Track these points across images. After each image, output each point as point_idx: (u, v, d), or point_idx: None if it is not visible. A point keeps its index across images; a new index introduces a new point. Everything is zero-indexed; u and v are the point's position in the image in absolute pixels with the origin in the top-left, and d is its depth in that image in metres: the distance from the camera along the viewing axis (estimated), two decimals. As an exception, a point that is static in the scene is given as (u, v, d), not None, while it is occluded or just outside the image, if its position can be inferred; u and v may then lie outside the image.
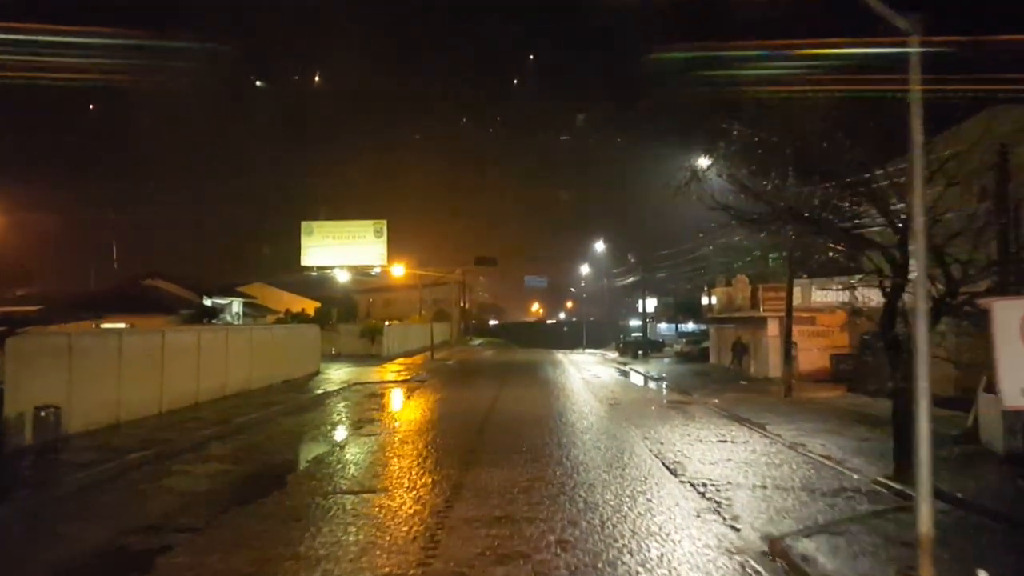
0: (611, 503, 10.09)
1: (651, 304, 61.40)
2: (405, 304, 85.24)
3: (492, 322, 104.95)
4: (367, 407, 22.10)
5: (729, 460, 13.52)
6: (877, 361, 23.62)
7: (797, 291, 24.77)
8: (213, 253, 67.87)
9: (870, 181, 12.27)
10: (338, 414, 20.40)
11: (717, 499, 10.53)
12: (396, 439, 15.91)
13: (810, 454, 14.26)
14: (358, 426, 18.11)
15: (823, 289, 25.39)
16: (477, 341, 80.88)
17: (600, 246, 51.80)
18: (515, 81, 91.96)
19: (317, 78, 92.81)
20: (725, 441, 15.76)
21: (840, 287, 24.98)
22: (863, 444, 15.08)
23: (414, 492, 10.72)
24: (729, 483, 11.57)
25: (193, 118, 66.19)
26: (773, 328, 30.02)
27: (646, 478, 11.80)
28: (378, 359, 42.97)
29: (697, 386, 28.25)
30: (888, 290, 12.02)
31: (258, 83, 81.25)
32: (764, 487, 11.37)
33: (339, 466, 12.79)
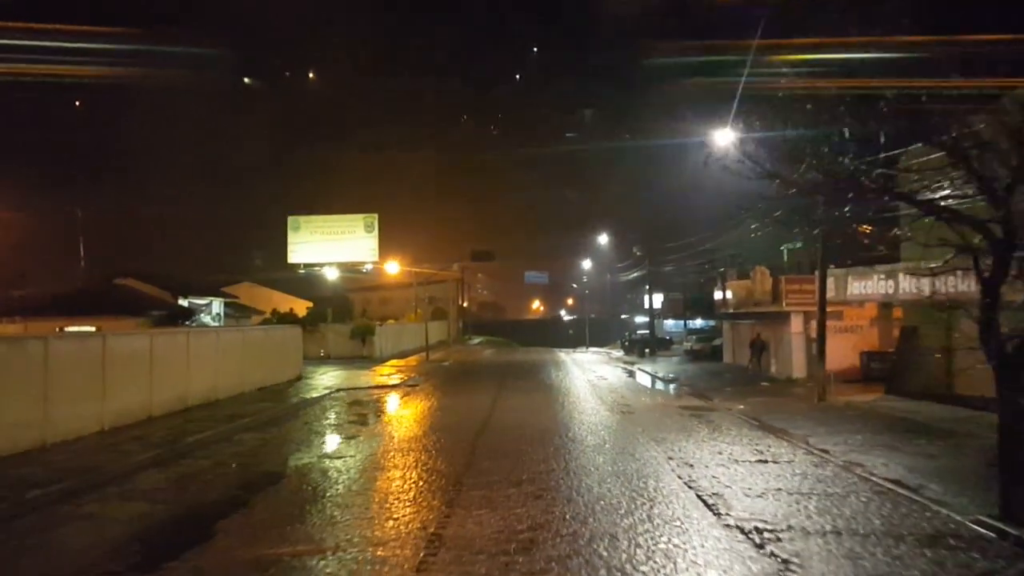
0: (643, 568, 7.44)
1: (657, 300, 58.74)
2: (402, 303, 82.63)
3: (492, 320, 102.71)
4: (345, 420, 19.45)
5: (779, 490, 10.86)
6: (922, 359, 21.06)
7: (829, 282, 22.09)
8: (203, 252, 65.13)
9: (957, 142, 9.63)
10: (310, 429, 17.74)
11: (782, 555, 7.88)
12: (371, 464, 13.25)
13: (874, 478, 11.61)
14: (329, 445, 15.47)
15: (861, 279, 22.71)
16: (476, 340, 78.31)
17: (603, 239, 49.13)
18: (517, 76, 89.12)
19: (311, 75, 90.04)
20: (765, 461, 13.10)
21: (883, 276, 22.45)
22: (933, 464, 12.45)
23: (374, 551, 8.06)
24: (789, 527, 8.92)
25: (185, 115, 63.54)
26: (796, 324, 27.35)
27: (682, 521, 9.15)
28: (369, 361, 40.33)
29: (715, 388, 25.60)
30: (988, 275, 9.37)
31: (247, 80, 78.51)
32: (837, 532, 8.72)
33: (290, 508, 10.11)
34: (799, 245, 39.00)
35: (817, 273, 21.67)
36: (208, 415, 18.70)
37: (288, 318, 45.86)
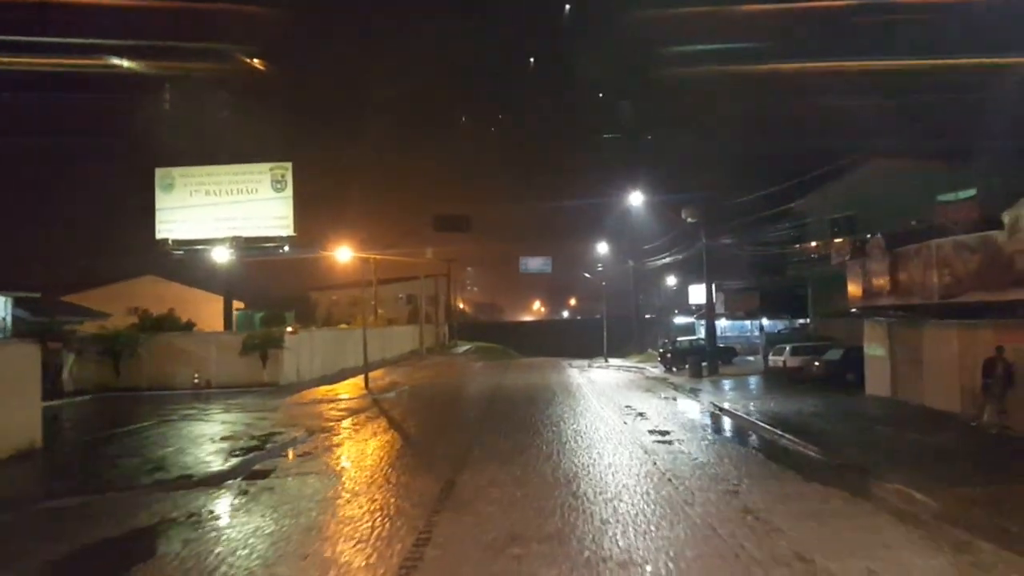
0: None
1: (699, 293, 43.46)
2: (379, 303, 68.30)
3: (487, 323, 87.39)
4: None
5: None
6: None
7: None
8: (90, 239, 50.20)
9: None
10: None
11: None
12: None
13: None
14: None
15: None
16: (464, 347, 63.28)
17: (636, 199, 33.69)
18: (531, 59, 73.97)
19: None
20: None
21: None
22: None
23: None
24: None
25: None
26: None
27: None
28: (266, 394, 25.25)
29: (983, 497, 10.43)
30: None
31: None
32: None
33: None
34: (971, 193, 23.62)
35: None
36: None
37: (174, 324, 30.90)
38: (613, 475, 11.80)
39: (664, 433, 16.25)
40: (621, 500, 10.14)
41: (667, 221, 38.08)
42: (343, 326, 45.10)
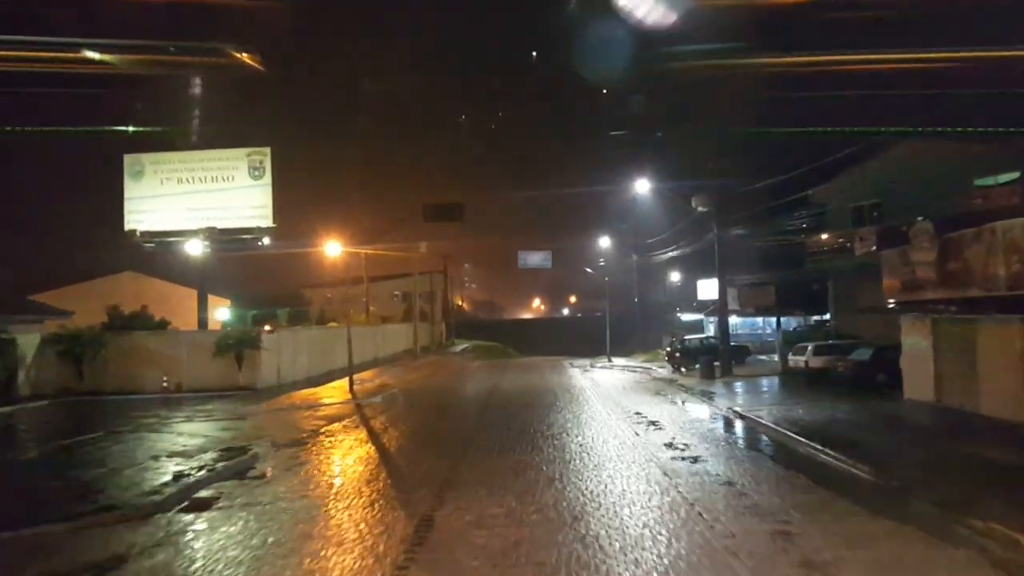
0: None
1: (708, 288, 41.29)
2: (373, 300, 66.13)
3: (486, 321, 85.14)
4: None
5: None
6: None
7: None
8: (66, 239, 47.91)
9: None
10: None
11: None
12: None
13: None
14: None
15: None
16: (461, 346, 61.18)
17: (642, 187, 31.29)
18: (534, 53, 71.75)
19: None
20: None
21: None
22: None
23: None
24: None
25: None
26: None
27: None
28: (240, 399, 23.05)
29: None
30: None
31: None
32: None
33: None
34: (1014, 176, 21.54)
35: None
36: None
37: (140, 321, 28.70)
38: (630, 509, 9.57)
39: (683, 448, 14.03)
40: (643, 548, 7.91)
41: (674, 212, 35.82)
42: (332, 324, 42.84)
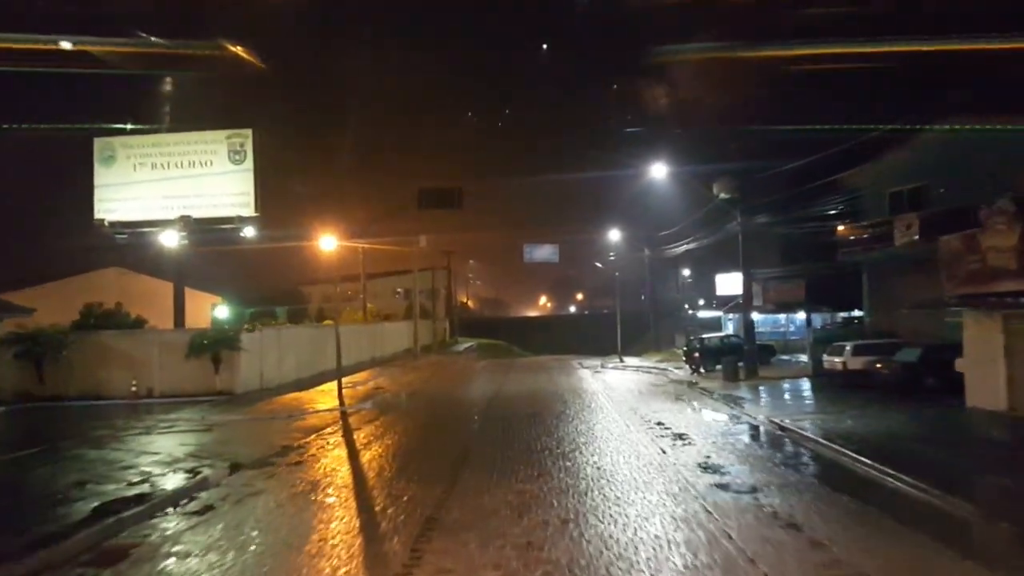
0: None
1: (728, 283, 38.78)
2: (374, 297, 63.98)
3: (492, 319, 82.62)
4: None
5: None
6: None
7: None
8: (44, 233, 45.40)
9: None
10: None
11: None
12: None
13: None
14: None
15: None
16: (465, 345, 58.92)
17: (658, 171, 28.65)
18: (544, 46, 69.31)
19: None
20: None
21: None
22: None
23: None
24: None
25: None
26: None
27: None
28: (214, 405, 20.67)
29: None
30: None
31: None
32: None
33: None
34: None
35: None
36: None
37: (115, 319, 26.42)
38: (669, 572, 7.11)
39: (721, 472, 11.57)
40: (701, 647, 5.46)
41: (691, 200, 33.22)
42: (327, 323, 40.51)
